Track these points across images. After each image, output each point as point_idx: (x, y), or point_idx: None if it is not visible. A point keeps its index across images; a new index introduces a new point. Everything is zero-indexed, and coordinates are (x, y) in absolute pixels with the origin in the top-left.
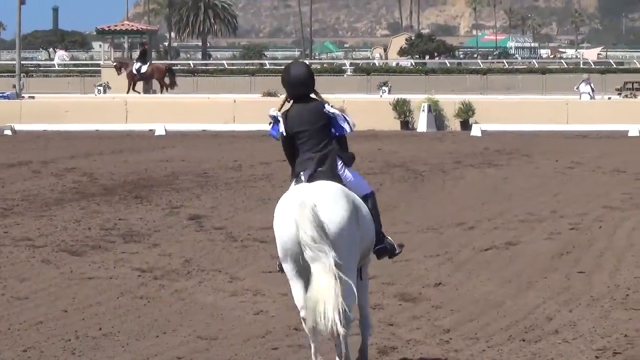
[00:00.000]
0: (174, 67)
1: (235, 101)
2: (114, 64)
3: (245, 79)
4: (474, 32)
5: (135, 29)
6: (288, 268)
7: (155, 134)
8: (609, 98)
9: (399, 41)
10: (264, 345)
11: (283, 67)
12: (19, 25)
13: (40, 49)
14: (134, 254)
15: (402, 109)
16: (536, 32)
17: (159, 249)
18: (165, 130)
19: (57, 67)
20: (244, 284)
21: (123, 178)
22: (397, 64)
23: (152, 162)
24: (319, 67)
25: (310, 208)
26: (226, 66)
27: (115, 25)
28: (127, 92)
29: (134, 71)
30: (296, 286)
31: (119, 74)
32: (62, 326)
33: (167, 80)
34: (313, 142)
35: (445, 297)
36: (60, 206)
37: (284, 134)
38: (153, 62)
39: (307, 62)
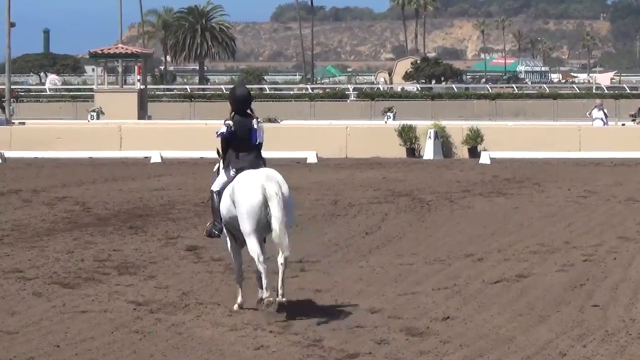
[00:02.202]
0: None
1: None
2: None
3: None
4: (482, 55)
5: (129, 53)
6: (249, 226)
7: (151, 161)
8: (623, 124)
9: (404, 65)
10: None
11: (281, 92)
12: (8, 49)
13: (31, 73)
14: (129, 286)
15: (408, 136)
16: (547, 56)
17: (155, 281)
18: (161, 157)
19: (48, 92)
20: (244, 317)
21: (117, 207)
22: (403, 88)
23: (148, 191)
24: (320, 92)
25: (275, 179)
26: (224, 91)
27: (109, 49)
28: None
29: None
30: (253, 240)
31: None
32: None
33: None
34: (248, 144)
35: (454, 332)
36: (52, 237)
37: (233, 134)
38: None
39: (308, 86)
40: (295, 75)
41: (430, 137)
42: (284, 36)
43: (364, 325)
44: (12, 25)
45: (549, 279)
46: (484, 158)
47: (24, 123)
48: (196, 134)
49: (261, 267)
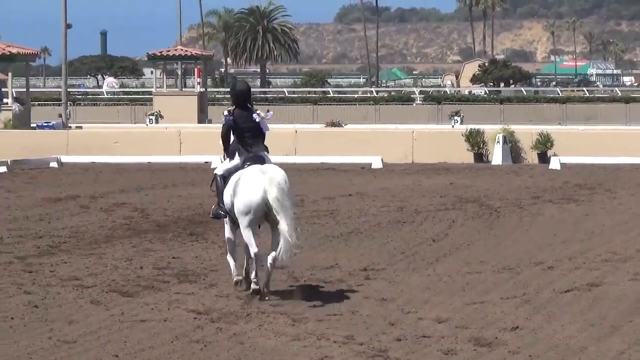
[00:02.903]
0: None
1: (296, 131)
2: None
3: (307, 107)
4: (552, 57)
5: (189, 55)
6: (247, 219)
7: (211, 166)
8: None
9: (472, 68)
10: None
11: (345, 95)
12: (65, 51)
13: (88, 76)
14: (189, 294)
15: (476, 140)
16: (619, 58)
17: (216, 289)
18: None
19: (105, 95)
20: (307, 327)
21: (177, 214)
22: (470, 92)
23: (208, 197)
24: (386, 95)
25: (277, 182)
26: (287, 94)
27: (168, 51)
28: None
29: None
30: (249, 233)
31: None
32: None
33: None
34: (252, 134)
35: (523, 342)
36: (110, 243)
37: (234, 125)
38: None
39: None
40: (360, 78)
41: (498, 141)
42: (348, 38)
43: (430, 335)
44: (68, 26)
45: (621, 288)
46: (554, 163)
47: (81, 127)
48: None
49: (252, 255)
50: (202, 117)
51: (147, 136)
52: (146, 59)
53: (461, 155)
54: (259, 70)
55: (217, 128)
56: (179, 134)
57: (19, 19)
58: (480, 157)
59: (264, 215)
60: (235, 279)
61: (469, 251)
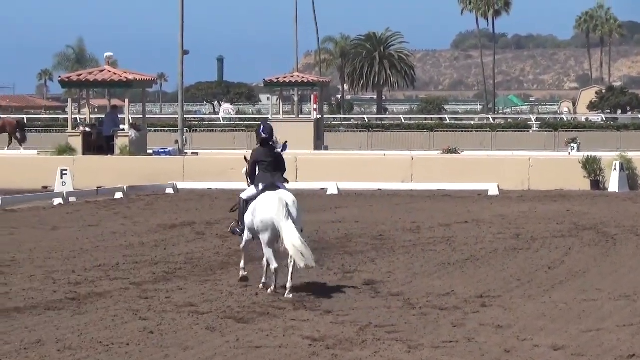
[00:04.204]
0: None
1: (413, 158)
2: None
3: (423, 134)
4: None
5: (305, 81)
6: (266, 237)
7: (327, 193)
8: None
9: (589, 94)
10: None
11: (462, 122)
12: (181, 77)
13: (204, 102)
14: (304, 321)
15: (592, 168)
16: None
17: (331, 316)
18: (338, 189)
19: (222, 121)
20: (423, 354)
21: None
22: (587, 118)
23: (324, 223)
24: (502, 122)
25: (285, 203)
26: (403, 121)
27: (285, 77)
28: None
29: None
30: (269, 250)
31: None
32: None
33: (18, 135)
34: (270, 167)
35: None
36: (225, 270)
37: (259, 159)
38: (2, 116)
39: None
40: (476, 104)
41: (615, 169)
42: (464, 64)
43: None
44: (185, 52)
45: None
46: None
47: (197, 153)
48: (374, 165)
49: (273, 270)
50: (319, 144)
51: None
52: (263, 85)
53: (578, 182)
54: (375, 96)
55: (334, 155)
56: (295, 160)
57: (135, 45)
58: (597, 184)
59: (278, 233)
60: (241, 275)
61: (585, 278)
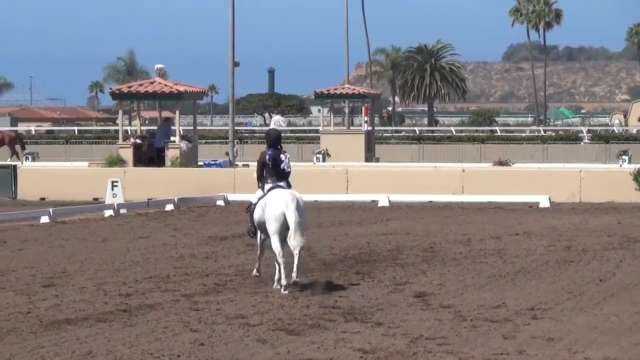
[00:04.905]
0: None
1: (464, 170)
2: None
3: (474, 146)
4: None
5: (356, 93)
6: (274, 228)
7: (378, 205)
8: None
9: None
10: None
11: (513, 134)
12: (232, 89)
13: (255, 114)
14: (355, 333)
15: None
16: None
17: (382, 328)
18: (389, 201)
19: None
20: None
21: (344, 252)
22: (638, 131)
23: (375, 236)
24: (553, 134)
25: (294, 198)
26: (454, 133)
27: (335, 89)
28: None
29: None
30: (276, 240)
31: None
32: None
33: (17, 147)
34: (279, 170)
35: None
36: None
37: (268, 163)
38: (2, 129)
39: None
40: (527, 116)
41: None
42: (515, 76)
43: None
44: (236, 64)
45: None
46: None
47: (247, 165)
48: (425, 177)
49: (280, 260)
50: (370, 156)
51: (314, 174)
52: (313, 97)
53: (629, 194)
54: (426, 108)
55: (385, 167)
56: (346, 172)
57: (186, 57)
58: None
59: (285, 224)
60: (254, 274)
61: (637, 291)
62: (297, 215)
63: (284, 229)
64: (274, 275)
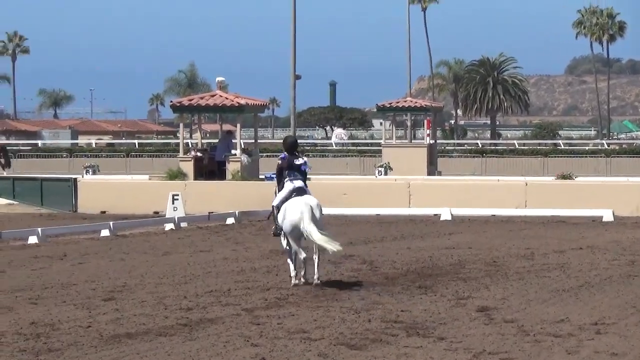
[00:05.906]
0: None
1: (527, 184)
2: None
3: (537, 160)
4: None
5: (418, 106)
6: (293, 234)
7: (441, 218)
8: None
9: None
10: None
11: (576, 147)
12: (293, 102)
13: (317, 127)
14: (417, 348)
15: None
16: None
17: (444, 343)
18: (452, 214)
19: (334, 147)
20: None
21: (406, 266)
22: None
23: (437, 249)
24: (617, 147)
25: (309, 206)
26: (517, 146)
27: (397, 102)
28: None
29: None
30: (295, 243)
31: None
32: None
33: (2, 159)
34: (296, 173)
35: None
36: (338, 296)
37: (283, 164)
38: None
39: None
40: (591, 130)
41: None
42: (578, 89)
43: None
44: (297, 77)
45: None
46: None
47: (309, 178)
48: (487, 191)
49: (302, 259)
50: (432, 169)
51: (376, 188)
52: (375, 110)
53: None
54: (489, 121)
55: (448, 180)
56: (408, 185)
57: (247, 70)
58: None
59: (301, 232)
60: (293, 283)
61: None
62: (310, 222)
63: (301, 235)
64: (310, 279)
